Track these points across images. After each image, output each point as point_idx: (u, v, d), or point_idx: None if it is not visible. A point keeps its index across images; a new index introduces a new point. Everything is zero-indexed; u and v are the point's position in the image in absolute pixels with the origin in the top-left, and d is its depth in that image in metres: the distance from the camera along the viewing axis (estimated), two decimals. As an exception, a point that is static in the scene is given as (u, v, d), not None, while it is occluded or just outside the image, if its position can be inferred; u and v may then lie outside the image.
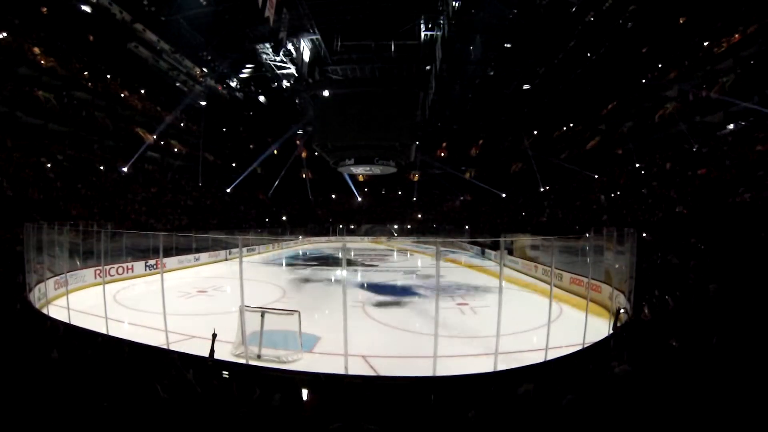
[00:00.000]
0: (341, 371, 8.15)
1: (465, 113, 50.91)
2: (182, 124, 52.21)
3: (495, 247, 31.51)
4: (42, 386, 5.23)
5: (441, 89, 37.17)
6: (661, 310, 9.98)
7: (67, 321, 11.15)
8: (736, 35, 27.25)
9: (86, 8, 27.95)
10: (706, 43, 29.70)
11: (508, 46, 31.24)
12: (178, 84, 42.63)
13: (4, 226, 19.94)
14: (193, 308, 15.42)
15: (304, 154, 67.61)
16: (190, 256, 28.25)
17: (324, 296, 18.75)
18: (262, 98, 43.81)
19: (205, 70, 39.33)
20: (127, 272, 21.81)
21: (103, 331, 10.06)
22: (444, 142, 67.61)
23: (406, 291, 20.22)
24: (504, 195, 55.86)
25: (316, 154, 59.28)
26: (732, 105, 26.62)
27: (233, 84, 41.76)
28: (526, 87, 41.31)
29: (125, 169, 38.74)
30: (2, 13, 29.32)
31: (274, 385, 6.56)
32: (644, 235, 19.17)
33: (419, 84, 36.22)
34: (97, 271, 18.45)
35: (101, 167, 36.56)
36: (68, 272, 15.28)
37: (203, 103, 47.36)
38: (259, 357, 9.48)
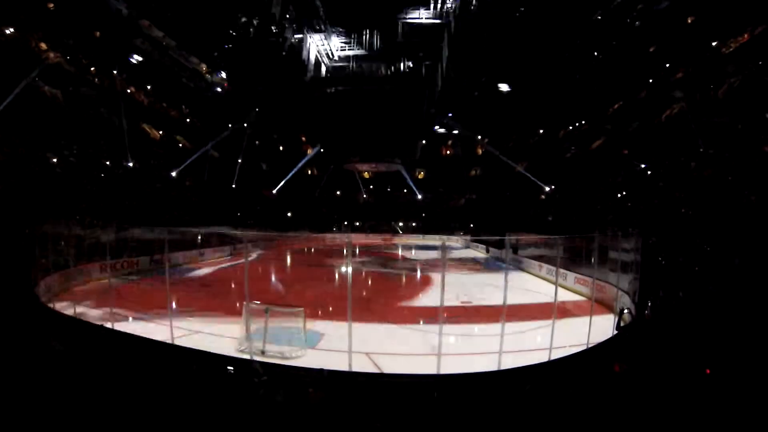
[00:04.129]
0: (345, 368, 8.17)
1: (471, 111, 50.88)
2: (188, 120, 52.33)
3: (500, 245, 31.50)
4: (47, 379, 5.27)
5: (447, 87, 37.20)
6: (665, 310, 9.95)
7: (73, 315, 11.22)
8: (745, 35, 27.03)
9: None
10: (714, 43, 29.46)
11: (515, 43, 31.18)
12: (183, 80, 42.76)
13: (11, 221, 20.05)
14: (198, 304, 15.46)
15: (309, 151, 67.81)
16: (195, 252, 28.33)
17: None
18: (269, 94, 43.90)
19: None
20: (132, 267, 21.89)
21: (108, 326, 10.12)
22: (450, 140, 67.49)
23: (408, 288, 20.25)
24: (509, 194, 55.81)
25: (322, 150, 59.56)
26: (739, 106, 26.44)
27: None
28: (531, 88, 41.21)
29: (131, 165, 38.85)
30: (9, 9, 29.44)
31: (278, 381, 6.59)
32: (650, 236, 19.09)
33: (426, 81, 36.23)
34: (103, 266, 18.54)
35: (107, 163, 36.70)
36: (74, 267, 15.36)
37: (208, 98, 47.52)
38: (263, 353, 9.51)
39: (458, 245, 47.28)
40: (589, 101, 42.93)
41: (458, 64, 32.71)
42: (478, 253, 38.81)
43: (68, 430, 4.37)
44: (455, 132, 60.69)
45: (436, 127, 53.57)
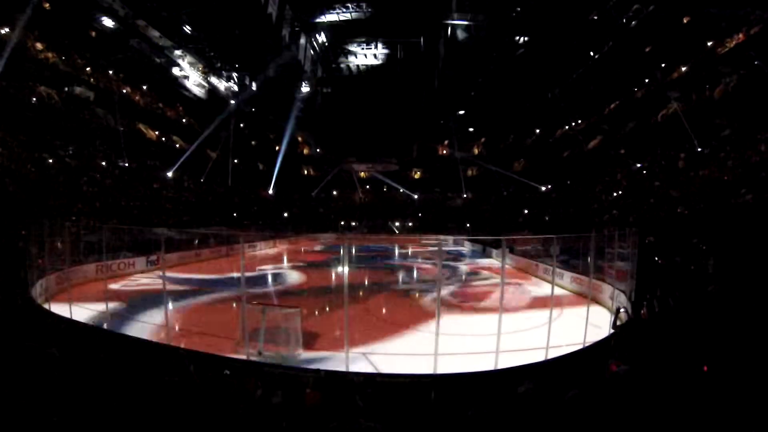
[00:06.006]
0: (342, 368, 8.17)
1: (468, 111, 50.92)
2: (184, 120, 52.16)
3: (497, 245, 31.48)
4: (43, 382, 5.25)
5: (444, 87, 37.23)
6: (662, 309, 9.97)
7: (69, 316, 11.17)
8: (741, 35, 27.08)
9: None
10: (710, 43, 29.52)
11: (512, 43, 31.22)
12: (179, 80, 42.66)
13: (7, 221, 19.97)
14: (194, 304, 15.44)
15: (306, 151, 67.66)
16: (191, 252, 28.27)
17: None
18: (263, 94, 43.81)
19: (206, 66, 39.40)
20: (129, 268, 21.82)
21: (104, 327, 10.09)
22: (446, 140, 67.49)
23: (406, 287, 20.26)
24: (506, 193, 55.94)
25: (318, 150, 59.42)
26: (735, 106, 26.50)
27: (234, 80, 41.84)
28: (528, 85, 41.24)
29: (127, 165, 38.75)
30: (4, 9, 29.24)
31: (275, 381, 6.58)
32: (646, 235, 19.14)
33: (423, 82, 36.25)
34: (99, 267, 18.48)
35: (103, 163, 36.57)
36: (70, 268, 15.30)
37: (204, 98, 47.40)
38: (260, 353, 9.48)
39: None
40: (586, 101, 43.00)
41: (454, 64, 32.72)
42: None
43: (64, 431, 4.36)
44: (452, 131, 60.80)
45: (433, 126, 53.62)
